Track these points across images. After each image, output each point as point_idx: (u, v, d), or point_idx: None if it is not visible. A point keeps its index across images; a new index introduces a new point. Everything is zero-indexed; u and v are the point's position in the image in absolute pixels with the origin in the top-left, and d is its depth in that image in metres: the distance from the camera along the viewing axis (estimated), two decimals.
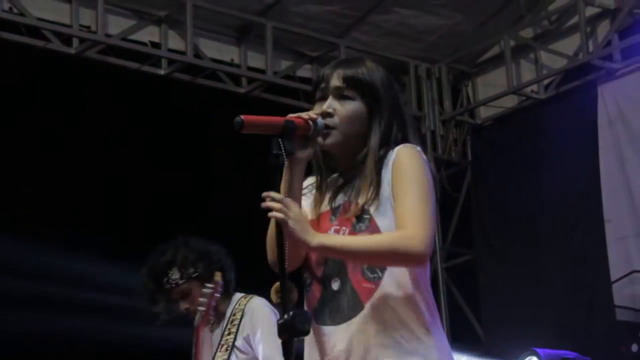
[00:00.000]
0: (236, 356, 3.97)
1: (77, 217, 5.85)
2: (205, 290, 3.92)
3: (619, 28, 6.57)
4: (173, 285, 4.00)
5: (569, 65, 6.86)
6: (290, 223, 2.21)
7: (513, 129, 7.25)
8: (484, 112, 7.53)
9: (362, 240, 2.30)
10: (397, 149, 2.37)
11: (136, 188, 6.11)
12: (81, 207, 5.94)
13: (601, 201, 6.57)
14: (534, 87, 7.13)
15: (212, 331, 4.13)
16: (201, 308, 3.90)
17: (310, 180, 2.48)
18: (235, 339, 3.97)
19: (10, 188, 5.77)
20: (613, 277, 6.44)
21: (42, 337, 5.69)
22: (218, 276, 3.95)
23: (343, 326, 2.32)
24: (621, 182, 6.50)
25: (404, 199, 2.30)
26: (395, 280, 2.31)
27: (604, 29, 6.71)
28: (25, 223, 5.71)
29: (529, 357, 5.28)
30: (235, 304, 4.07)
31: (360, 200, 2.35)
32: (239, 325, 3.99)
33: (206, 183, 6.44)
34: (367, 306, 2.30)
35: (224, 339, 4.01)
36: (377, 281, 2.31)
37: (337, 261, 2.35)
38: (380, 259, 2.30)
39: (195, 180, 6.41)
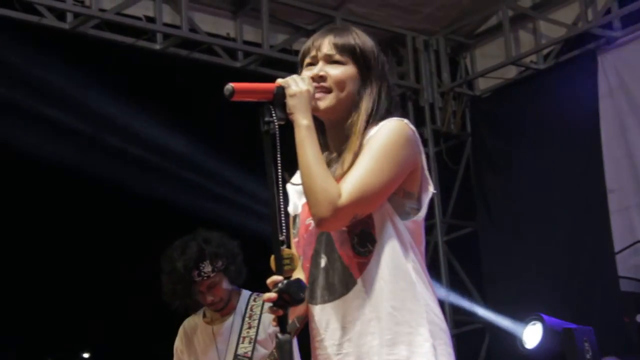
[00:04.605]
0: (257, 350, 4.16)
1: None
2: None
3: None
4: (205, 278, 4.16)
5: (568, 34, 6.80)
6: (289, 92, 2.26)
7: (512, 100, 7.18)
8: (483, 84, 7.47)
9: (313, 159, 2.23)
10: (382, 122, 2.31)
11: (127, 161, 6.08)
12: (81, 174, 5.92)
13: (603, 171, 6.51)
14: (533, 58, 7.07)
15: (211, 324, 4.30)
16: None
17: None
18: (257, 333, 4.16)
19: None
20: (617, 248, 6.40)
21: None
22: None
23: (336, 303, 2.29)
24: (623, 152, 6.45)
25: (354, 169, 2.25)
26: (386, 252, 2.27)
27: None
28: None
29: (534, 322, 5.30)
30: (249, 299, 4.26)
31: (345, 170, 2.28)
32: (259, 320, 4.17)
33: (205, 156, 6.41)
34: (360, 280, 2.27)
35: (244, 331, 4.19)
36: (368, 255, 2.27)
37: (325, 238, 2.31)
38: (304, 186, 2.26)
39: (195, 154, 6.38)
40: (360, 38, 2.40)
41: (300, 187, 2.36)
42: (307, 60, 2.40)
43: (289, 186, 2.43)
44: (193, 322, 4.35)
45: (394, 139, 2.26)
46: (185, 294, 4.19)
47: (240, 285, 4.32)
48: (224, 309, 4.25)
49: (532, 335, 5.32)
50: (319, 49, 2.38)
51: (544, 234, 6.72)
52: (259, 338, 4.17)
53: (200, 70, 6.46)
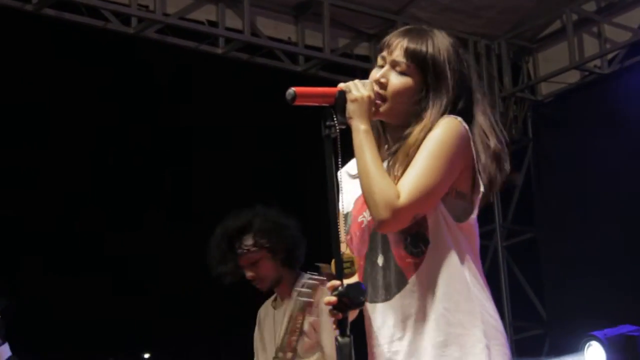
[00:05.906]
0: (303, 340, 3.93)
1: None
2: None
3: None
4: (245, 251, 3.96)
5: (633, 38, 6.71)
6: (350, 97, 2.27)
7: (575, 105, 7.11)
8: (545, 88, 7.40)
9: (371, 162, 2.25)
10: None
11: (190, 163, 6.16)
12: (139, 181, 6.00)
13: None
14: (597, 62, 6.99)
15: (275, 308, 4.12)
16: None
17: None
18: (303, 322, 3.90)
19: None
20: None
21: None
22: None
23: (391, 302, 2.30)
24: None
25: (411, 168, 2.26)
26: (439, 254, 2.27)
27: None
28: None
29: (589, 343, 5.13)
30: (299, 285, 3.95)
31: (398, 172, 2.29)
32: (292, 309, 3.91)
33: (266, 160, 6.47)
34: (411, 281, 2.28)
35: (292, 321, 3.95)
36: (420, 256, 2.28)
37: (380, 237, 2.33)
38: (363, 190, 2.28)
39: (255, 157, 6.45)
40: (435, 46, 2.35)
41: (355, 182, 2.36)
42: (379, 59, 2.40)
43: (343, 181, 2.36)
44: (266, 308, 4.17)
45: (448, 136, 2.27)
46: (220, 259, 4.00)
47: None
48: (269, 289, 4.03)
49: (594, 356, 5.15)
50: (390, 52, 2.37)
51: (606, 240, 6.63)
52: (304, 329, 3.88)
53: (262, 74, 6.51)
